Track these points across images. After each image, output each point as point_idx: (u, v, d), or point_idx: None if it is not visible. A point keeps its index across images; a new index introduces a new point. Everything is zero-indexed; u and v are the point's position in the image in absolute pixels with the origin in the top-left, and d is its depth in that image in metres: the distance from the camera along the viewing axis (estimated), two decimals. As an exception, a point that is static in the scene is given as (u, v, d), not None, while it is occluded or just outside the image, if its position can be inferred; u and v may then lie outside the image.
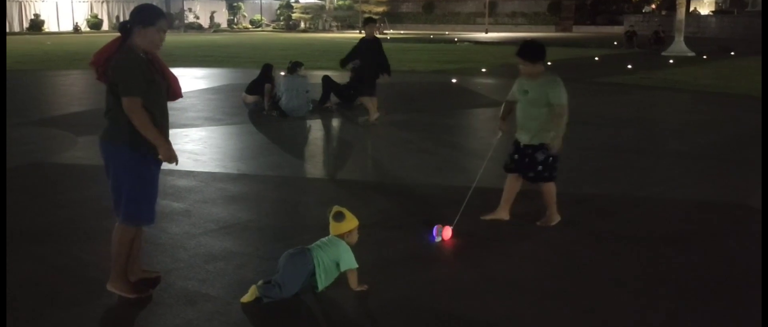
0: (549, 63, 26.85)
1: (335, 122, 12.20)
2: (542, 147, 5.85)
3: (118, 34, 4.30)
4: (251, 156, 9.02)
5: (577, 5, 72.63)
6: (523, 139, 5.96)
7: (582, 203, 6.89)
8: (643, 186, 7.74)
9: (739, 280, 4.94)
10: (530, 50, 5.81)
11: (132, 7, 4.75)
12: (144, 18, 4.24)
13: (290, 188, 7.56)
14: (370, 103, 11.83)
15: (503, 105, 6.24)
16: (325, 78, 14.00)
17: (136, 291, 4.49)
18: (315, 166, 8.85)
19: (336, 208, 4.63)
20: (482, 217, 6.16)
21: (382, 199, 7.03)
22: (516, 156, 6.04)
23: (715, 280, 4.91)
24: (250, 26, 77.85)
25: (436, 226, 5.66)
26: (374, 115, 11.79)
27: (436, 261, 5.22)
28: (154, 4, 5.19)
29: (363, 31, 12.16)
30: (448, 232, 5.65)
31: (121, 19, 69.88)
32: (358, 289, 4.56)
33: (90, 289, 4.59)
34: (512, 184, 6.19)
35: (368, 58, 11.79)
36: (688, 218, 6.50)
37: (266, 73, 13.21)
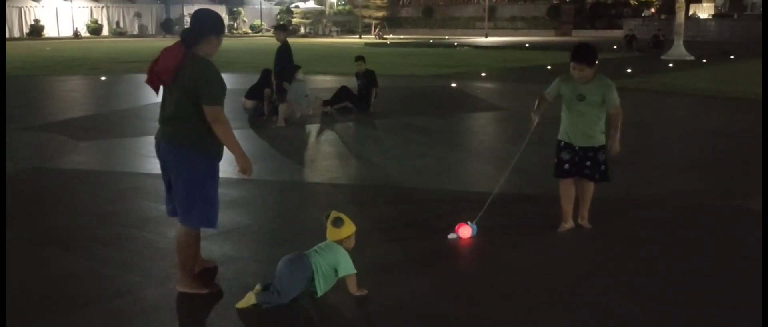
0: (549, 67, 26.92)
1: (334, 126, 12.20)
2: (602, 148, 5.86)
3: (178, 41, 4.40)
4: (251, 160, 9.01)
5: (577, 9, 72.72)
6: (581, 141, 5.85)
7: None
8: (644, 188, 7.74)
9: (740, 282, 4.93)
10: (587, 53, 5.71)
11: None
12: (218, 27, 4.46)
13: (290, 193, 7.56)
14: (281, 108, 12.01)
15: (538, 100, 6.03)
16: (344, 88, 14.07)
17: (206, 286, 4.65)
18: (314, 171, 8.85)
19: (334, 214, 4.62)
20: (559, 230, 6.01)
21: (382, 204, 7.03)
22: (576, 158, 5.88)
23: (717, 283, 4.90)
24: (250, 31, 77.98)
25: (462, 225, 5.77)
26: (281, 122, 11.98)
27: (436, 265, 5.21)
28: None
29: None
30: (466, 231, 5.73)
31: (121, 25, 70.37)
32: (358, 293, 4.55)
33: (92, 292, 4.59)
34: (569, 190, 6.00)
35: (277, 64, 12.21)
36: (688, 221, 6.49)
37: (266, 77, 13.22)
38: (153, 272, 5.00)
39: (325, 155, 9.86)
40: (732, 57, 32.30)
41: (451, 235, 5.71)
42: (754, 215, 6.66)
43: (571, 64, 5.73)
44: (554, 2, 75.36)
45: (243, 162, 4.46)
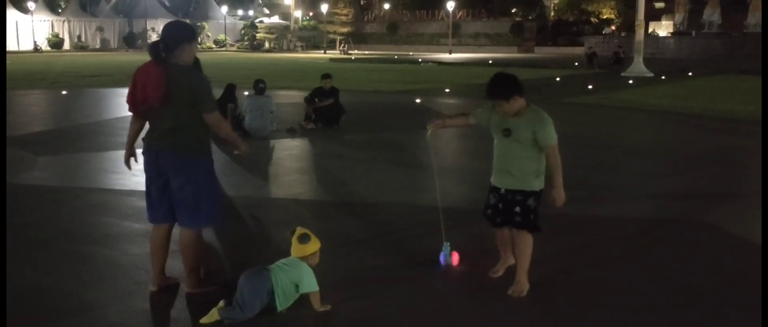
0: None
1: (299, 142, 12.19)
2: (534, 195, 4.96)
3: (151, 62, 4.52)
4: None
5: (539, 26, 73.61)
6: (507, 183, 5.00)
7: (544, 221, 6.96)
8: (603, 204, 7.86)
9: (703, 297, 5.03)
10: (502, 86, 4.81)
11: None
12: (191, 35, 4.64)
13: (253, 209, 7.53)
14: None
15: (458, 115, 5.34)
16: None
17: (212, 284, 4.93)
18: (278, 187, 8.83)
19: (300, 230, 4.63)
20: (492, 275, 5.30)
21: (346, 219, 7.04)
22: (500, 205, 5.05)
23: (680, 298, 4.99)
24: (214, 46, 77.55)
25: (443, 253, 5.51)
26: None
27: (400, 280, 5.23)
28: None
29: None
30: (455, 258, 5.53)
31: (83, 39, 69.49)
32: (322, 309, 4.54)
33: (52, 310, 4.52)
34: (502, 236, 5.28)
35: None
36: (647, 236, 6.60)
37: (230, 93, 13.17)
38: (115, 289, 4.95)
39: (289, 171, 9.84)
40: (690, 74, 32.93)
41: (442, 260, 5.48)
42: (709, 229, 6.80)
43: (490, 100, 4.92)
44: (517, 19, 76.24)
45: (244, 146, 5.06)
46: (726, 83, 27.67)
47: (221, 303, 4.39)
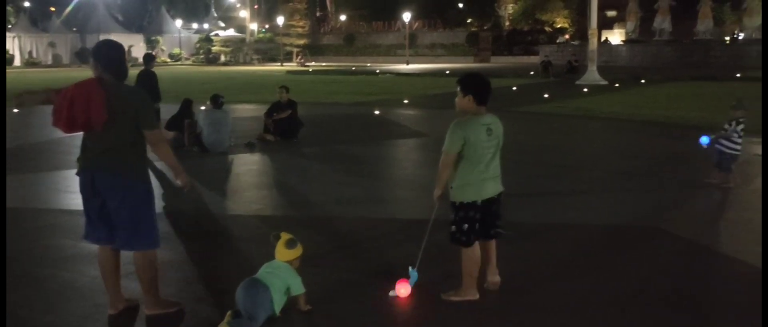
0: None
1: (258, 157, 12.10)
2: (500, 194, 5.10)
3: (93, 79, 4.43)
4: (171, 193, 8.84)
5: (495, 36, 74.33)
6: (495, 190, 5.02)
7: (505, 228, 7.01)
8: (563, 211, 7.94)
9: (665, 303, 5.09)
10: (483, 85, 4.92)
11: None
12: (124, 52, 4.62)
13: (213, 225, 7.44)
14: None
15: (446, 168, 4.89)
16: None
17: (172, 305, 4.86)
18: (238, 202, 8.74)
19: (286, 235, 4.81)
20: (444, 297, 5.08)
21: (309, 234, 6.97)
22: (486, 216, 5.02)
23: (644, 304, 5.05)
24: (168, 60, 76.69)
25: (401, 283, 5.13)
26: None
27: (366, 293, 5.21)
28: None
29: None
30: (404, 289, 5.08)
31: (34, 54, 68.26)
32: (307, 308, 4.77)
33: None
34: (478, 256, 5.08)
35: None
36: (606, 243, 6.68)
37: (186, 108, 13.03)
38: (72, 313, 4.84)
39: (248, 186, 9.75)
40: (643, 81, 33.54)
41: (391, 293, 5.12)
42: (666, 235, 6.90)
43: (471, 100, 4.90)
44: (473, 30, 76.88)
45: (185, 177, 4.75)
46: (678, 90, 28.23)
47: (228, 316, 4.44)
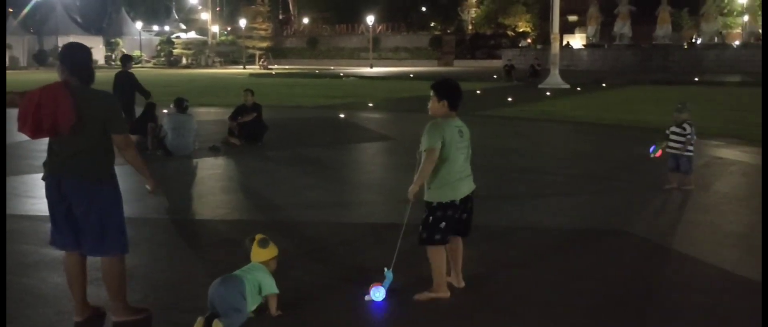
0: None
1: (223, 160, 12.00)
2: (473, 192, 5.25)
3: (60, 83, 4.37)
4: (135, 198, 8.69)
5: (458, 40, 74.83)
6: (469, 188, 5.18)
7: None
8: (528, 214, 8.00)
9: (633, 304, 5.16)
10: (457, 91, 5.14)
11: None
12: (91, 55, 4.65)
13: (178, 231, 7.35)
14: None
15: (431, 164, 4.93)
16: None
17: (139, 311, 4.76)
18: (204, 207, 8.65)
19: (260, 236, 4.82)
20: (417, 297, 5.13)
21: (276, 238, 6.85)
22: (463, 215, 5.19)
23: (603, 304, 5.11)
24: (129, 62, 75.65)
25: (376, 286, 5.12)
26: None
27: (336, 297, 5.19)
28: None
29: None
30: (378, 293, 5.08)
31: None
32: (277, 314, 4.70)
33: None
34: (445, 255, 5.24)
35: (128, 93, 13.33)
36: (572, 246, 6.74)
37: (149, 111, 12.88)
38: (35, 321, 4.73)
39: (213, 190, 9.65)
40: (604, 85, 34.02)
41: (366, 297, 5.10)
42: (630, 237, 7.00)
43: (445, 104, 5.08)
44: (436, 33, 77.29)
45: (154, 181, 4.75)
46: (638, 93, 28.68)
47: (199, 323, 4.37)
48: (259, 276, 4.66)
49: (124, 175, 4.64)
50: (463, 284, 5.37)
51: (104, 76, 12.80)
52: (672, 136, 9.18)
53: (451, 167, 4.97)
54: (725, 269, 5.96)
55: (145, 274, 5.76)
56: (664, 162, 9.52)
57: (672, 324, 4.80)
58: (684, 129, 9.05)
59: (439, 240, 5.05)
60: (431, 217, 5.03)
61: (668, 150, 9.19)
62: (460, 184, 5.07)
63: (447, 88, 5.09)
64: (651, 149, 9.44)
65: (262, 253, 4.79)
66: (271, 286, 4.68)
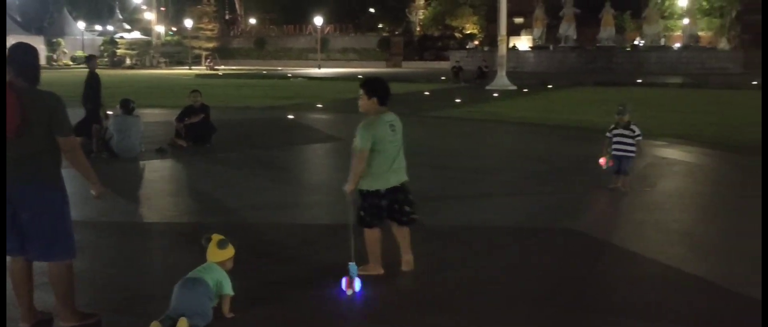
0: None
1: (170, 163, 11.80)
2: (404, 184, 5.62)
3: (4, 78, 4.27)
4: (80, 201, 8.45)
5: (406, 41, 75.07)
6: (399, 179, 5.57)
7: (419, 231, 7.06)
8: (477, 214, 8.06)
9: (580, 301, 5.23)
10: (385, 87, 5.57)
11: None
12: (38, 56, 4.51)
13: (126, 234, 7.20)
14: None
15: (361, 164, 5.39)
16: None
17: (88, 317, 4.64)
18: (152, 210, 8.49)
19: (217, 236, 4.82)
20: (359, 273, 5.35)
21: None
22: (394, 204, 5.56)
23: (553, 302, 5.17)
24: (71, 63, 74.05)
25: (345, 278, 5.27)
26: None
27: (281, 299, 5.15)
28: None
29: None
30: (357, 284, 5.27)
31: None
32: (230, 315, 4.69)
33: None
34: (379, 236, 5.65)
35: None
36: (521, 243, 6.82)
37: (94, 113, 12.60)
38: (-24, 329, 4.57)
39: (162, 193, 9.49)
40: (550, 86, 34.51)
41: (350, 291, 5.24)
42: (579, 236, 7.10)
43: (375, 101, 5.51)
44: (384, 35, 77.43)
45: (99, 186, 4.58)
46: (583, 94, 29.18)
47: (181, 319, 4.31)
48: (218, 276, 4.65)
49: (70, 177, 4.51)
50: (411, 257, 5.78)
51: (48, 78, 12.46)
52: (616, 138, 9.21)
53: (383, 160, 5.42)
54: (671, 266, 6.09)
55: (94, 279, 5.63)
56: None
57: (621, 319, 4.88)
58: (633, 131, 9.09)
59: (370, 223, 5.54)
60: (364, 204, 5.53)
61: (614, 153, 9.20)
62: (390, 175, 5.50)
63: (376, 86, 5.53)
64: (601, 161, 9.37)
65: (219, 254, 4.79)
66: (228, 288, 4.69)
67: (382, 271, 5.63)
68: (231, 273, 4.87)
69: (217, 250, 4.79)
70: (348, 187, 5.45)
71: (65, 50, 75.46)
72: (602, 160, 9.36)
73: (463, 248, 6.66)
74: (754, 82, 34.41)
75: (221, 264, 4.78)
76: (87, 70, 13.38)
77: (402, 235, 5.77)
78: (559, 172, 10.95)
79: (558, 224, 7.63)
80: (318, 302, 5.15)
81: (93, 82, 12.85)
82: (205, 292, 4.50)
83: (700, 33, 61.48)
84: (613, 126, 9.29)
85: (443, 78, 42.56)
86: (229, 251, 4.85)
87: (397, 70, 61.47)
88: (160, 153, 12.50)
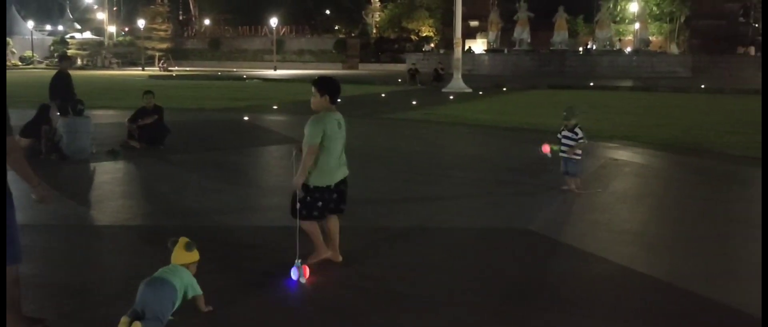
0: (339, 100, 27.43)
1: (122, 165, 11.61)
2: (346, 178, 5.98)
3: None
4: (28, 204, 8.29)
5: (362, 43, 75.08)
6: (343, 174, 5.93)
7: (377, 232, 7.08)
8: (434, 215, 8.10)
9: (537, 300, 5.28)
10: (336, 86, 5.89)
11: None
12: None
13: (78, 237, 7.05)
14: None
15: (311, 157, 5.67)
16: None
17: (37, 321, 4.59)
18: (104, 213, 8.33)
19: (184, 239, 4.82)
20: (310, 261, 5.78)
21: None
22: (334, 195, 5.85)
23: (510, 302, 5.22)
24: (19, 63, 72.44)
25: (295, 267, 5.54)
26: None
27: (248, 299, 5.11)
28: None
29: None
30: (306, 272, 5.56)
31: None
32: (207, 310, 4.80)
33: None
34: (331, 225, 6.02)
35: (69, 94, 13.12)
36: (478, 244, 6.87)
37: (43, 113, 12.33)
38: None
39: (114, 195, 9.33)
40: (505, 89, 34.85)
41: (303, 280, 5.51)
42: (534, 236, 7.19)
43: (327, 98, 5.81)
44: (341, 36, 77.32)
45: (43, 189, 4.41)
46: (537, 97, 29.53)
47: (134, 322, 4.27)
48: (186, 281, 4.67)
49: (15, 179, 4.39)
50: (340, 258, 6.03)
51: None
52: (563, 141, 9.39)
53: (331, 157, 5.70)
54: (624, 265, 6.20)
55: (42, 284, 5.51)
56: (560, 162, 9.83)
57: (575, 317, 4.95)
58: (576, 133, 9.26)
59: (315, 216, 5.80)
60: (309, 198, 5.71)
61: (560, 154, 9.38)
62: (337, 171, 5.82)
63: (327, 84, 5.81)
64: (544, 148, 9.61)
65: (186, 256, 4.79)
66: (196, 288, 4.74)
67: (329, 254, 5.98)
68: (194, 274, 4.84)
69: (184, 252, 4.79)
70: (297, 181, 5.66)
71: (13, 50, 73.76)
72: (545, 147, 9.63)
73: (417, 248, 6.68)
74: (702, 86, 35.30)
75: (186, 267, 4.77)
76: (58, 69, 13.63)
77: (335, 225, 6.03)
78: (512, 173, 11.05)
79: (512, 225, 7.71)
80: (274, 301, 5.11)
81: (61, 81, 13.02)
82: (170, 295, 4.47)
83: (650, 37, 62.64)
84: (562, 128, 9.49)
85: (400, 80, 42.66)
86: (195, 255, 4.84)
87: (353, 71, 61.42)
88: (113, 155, 12.28)
